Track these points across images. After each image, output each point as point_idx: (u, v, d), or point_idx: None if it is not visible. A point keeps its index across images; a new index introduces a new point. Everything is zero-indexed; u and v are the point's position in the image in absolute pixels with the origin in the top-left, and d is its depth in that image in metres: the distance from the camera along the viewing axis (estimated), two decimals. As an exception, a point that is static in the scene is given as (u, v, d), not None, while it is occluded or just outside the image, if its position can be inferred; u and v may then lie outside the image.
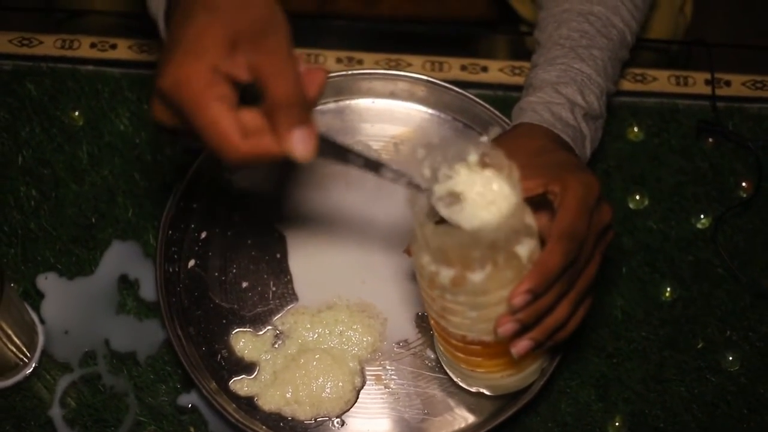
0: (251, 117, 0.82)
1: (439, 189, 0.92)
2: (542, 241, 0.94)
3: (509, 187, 0.90)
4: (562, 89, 1.10)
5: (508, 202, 0.90)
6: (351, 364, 1.12)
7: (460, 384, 1.10)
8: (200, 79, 0.81)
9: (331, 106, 1.28)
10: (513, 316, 0.92)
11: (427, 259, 0.91)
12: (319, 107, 1.27)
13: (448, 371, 1.11)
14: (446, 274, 0.90)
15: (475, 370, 1.04)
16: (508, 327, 0.92)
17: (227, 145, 0.82)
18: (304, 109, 0.83)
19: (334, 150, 0.87)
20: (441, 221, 0.93)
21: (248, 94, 0.84)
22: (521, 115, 1.09)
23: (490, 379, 1.05)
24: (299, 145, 0.82)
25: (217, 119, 0.81)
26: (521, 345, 0.95)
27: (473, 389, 1.10)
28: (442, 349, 1.07)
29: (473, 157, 0.91)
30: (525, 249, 0.90)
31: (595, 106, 1.11)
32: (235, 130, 0.81)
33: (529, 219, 0.92)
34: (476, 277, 0.89)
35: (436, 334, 1.06)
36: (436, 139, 1.25)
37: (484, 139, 0.92)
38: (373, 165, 0.90)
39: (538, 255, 0.91)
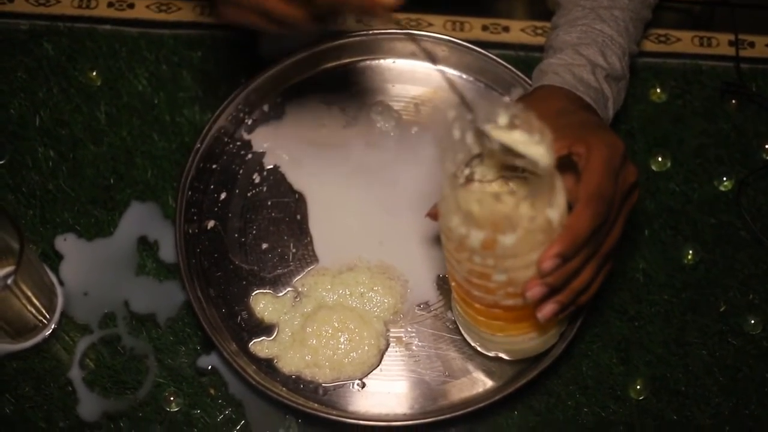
0: None
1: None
2: (568, 204, 0.93)
3: (543, 148, 0.88)
4: (584, 51, 1.09)
5: (543, 163, 0.88)
6: (377, 326, 1.12)
7: (478, 349, 1.10)
8: None
9: (352, 66, 1.27)
10: (542, 279, 0.91)
11: (457, 221, 0.90)
12: (340, 67, 1.27)
13: (465, 336, 1.11)
14: (476, 236, 0.89)
15: (495, 334, 1.04)
16: (536, 291, 0.91)
17: None
18: None
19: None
20: (471, 181, 0.92)
21: None
22: (542, 77, 1.09)
23: (510, 344, 1.05)
24: None
25: None
26: (547, 308, 0.94)
27: (491, 354, 1.09)
28: (461, 312, 1.06)
29: (503, 119, 0.89)
30: (555, 212, 0.90)
31: (617, 66, 1.10)
32: None
33: (558, 182, 0.91)
34: (507, 239, 0.88)
35: (456, 297, 1.05)
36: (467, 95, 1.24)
37: (508, 99, 0.91)
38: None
39: (566, 218, 0.91)
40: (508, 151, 0.89)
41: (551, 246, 0.89)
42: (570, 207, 0.92)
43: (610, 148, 0.94)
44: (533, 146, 0.88)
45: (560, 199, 0.90)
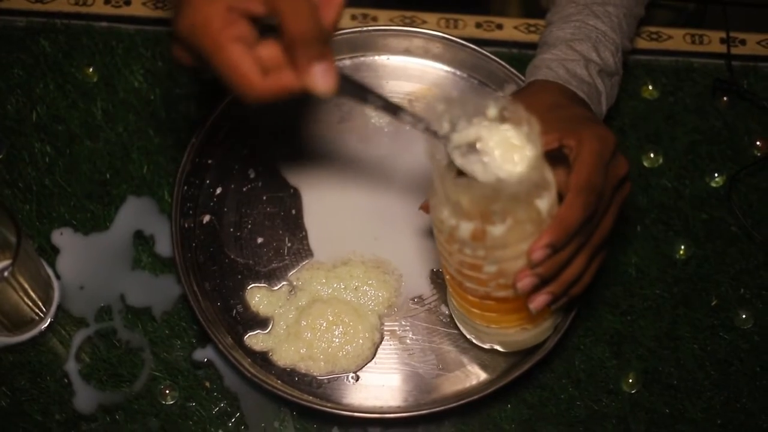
0: (270, 52, 0.83)
1: (458, 138, 0.91)
2: (559, 196, 0.94)
3: (529, 140, 0.89)
4: (577, 46, 1.10)
5: (529, 155, 0.89)
6: (371, 319, 1.13)
7: (473, 341, 1.11)
8: (217, 21, 0.81)
9: (347, 62, 1.27)
10: (532, 270, 0.92)
11: (447, 213, 0.91)
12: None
13: (460, 327, 1.11)
14: (466, 227, 0.90)
15: (489, 325, 1.04)
16: (527, 281, 0.92)
17: (247, 84, 0.83)
18: (322, 42, 0.83)
19: (354, 89, 0.88)
20: (461, 174, 0.93)
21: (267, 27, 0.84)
22: (536, 72, 1.09)
23: (504, 335, 1.06)
24: (320, 79, 0.83)
25: (235, 61, 0.82)
26: (539, 299, 0.95)
27: (486, 346, 1.10)
28: (456, 305, 1.07)
29: (492, 111, 0.90)
30: (545, 203, 0.90)
31: (610, 62, 1.11)
32: (253, 69, 0.82)
33: (548, 173, 0.91)
34: (496, 230, 0.89)
35: (450, 290, 1.06)
36: (455, 93, 1.24)
37: (502, 94, 0.91)
38: (392, 108, 0.90)
39: (556, 209, 0.91)
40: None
41: (541, 236, 0.90)
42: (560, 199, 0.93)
43: (601, 140, 0.95)
44: (506, 165, 0.89)
45: (549, 191, 0.91)
